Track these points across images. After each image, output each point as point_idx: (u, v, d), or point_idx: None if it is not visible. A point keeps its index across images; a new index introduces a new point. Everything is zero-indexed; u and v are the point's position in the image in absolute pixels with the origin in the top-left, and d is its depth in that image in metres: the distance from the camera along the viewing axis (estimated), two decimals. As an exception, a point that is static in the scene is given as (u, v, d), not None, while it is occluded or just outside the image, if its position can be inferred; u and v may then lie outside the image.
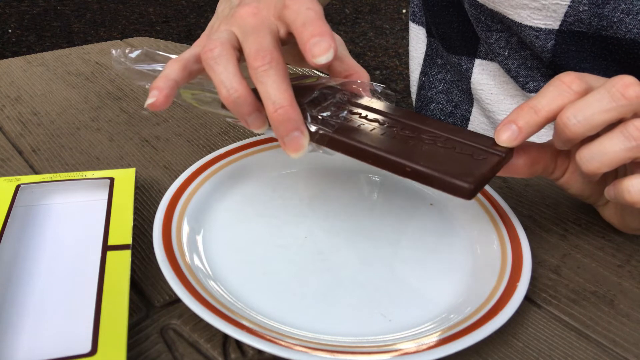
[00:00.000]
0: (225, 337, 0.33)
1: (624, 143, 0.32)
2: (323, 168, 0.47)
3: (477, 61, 0.58)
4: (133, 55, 0.41)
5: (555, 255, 0.40)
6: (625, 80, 0.32)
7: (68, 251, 0.37)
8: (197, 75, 0.38)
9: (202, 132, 0.54)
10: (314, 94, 0.37)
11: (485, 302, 0.34)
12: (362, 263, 0.38)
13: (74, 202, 0.42)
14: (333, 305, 0.35)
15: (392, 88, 2.41)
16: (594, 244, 0.42)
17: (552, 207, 0.45)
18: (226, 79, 0.34)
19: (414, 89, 0.69)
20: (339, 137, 0.34)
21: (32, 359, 0.30)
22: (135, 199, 0.44)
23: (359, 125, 0.35)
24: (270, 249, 0.39)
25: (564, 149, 0.36)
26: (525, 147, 0.36)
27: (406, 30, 2.97)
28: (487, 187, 0.43)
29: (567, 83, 0.33)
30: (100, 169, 0.47)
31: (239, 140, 0.50)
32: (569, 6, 0.46)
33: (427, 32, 0.65)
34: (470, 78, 0.59)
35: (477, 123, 0.62)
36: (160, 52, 0.41)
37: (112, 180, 0.41)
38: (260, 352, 0.32)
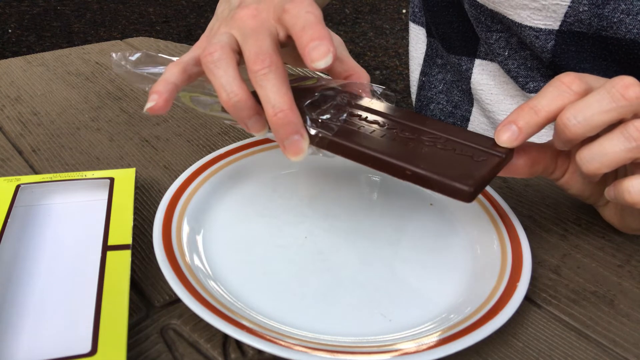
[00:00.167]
0: (225, 337, 0.33)
1: (624, 144, 0.32)
2: (323, 168, 0.47)
3: (477, 61, 0.58)
4: (133, 58, 0.41)
5: (555, 255, 0.40)
6: (625, 81, 0.32)
7: (68, 251, 0.37)
8: (196, 78, 0.38)
9: (202, 132, 0.54)
10: (313, 97, 0.36)
11: (485, 302, 0.34)
12: (362, 263, 0.38)
13: (74, 202, 0.42)
14: (333, 305, 0.35)
15: (392, 88, 2.41)
16: (594, 244, 0.42)
17: (552, 207, 0.45)
18: (226, 83, 0.34)
19: (414, 89, 0.69)
20: (338, 140, 0.34)
21: (32, 359, 0.30)
22: (135, 199, 0.44)
23: (358, 128, 0.35)
24: (270, 249, 0.39)
25: (564, 150, 0.36)
26: (525, 147, 0.36)
27: (406, 30, 2.97)
28: (487, 187, 0.43)
29: (567, 83, 0.34)
30: (100, 169, 0.47)
31: (239, 140, 0.50)
32: (569, 6, 0.46)
33: (427, 32, 0.65)
34: (470, 78, 0.59)
35: (477, 123, 0.62)
36: (161, 55, 0.41)
37: (112, 180, 0.41)
38: (260, 352, 0.32)
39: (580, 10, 0.46)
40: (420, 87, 0.67)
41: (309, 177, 0.46)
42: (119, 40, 0.76)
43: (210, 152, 0.47)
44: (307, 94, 0.37)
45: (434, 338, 0.31)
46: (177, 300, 0.35)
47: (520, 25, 0.50)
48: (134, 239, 0.39)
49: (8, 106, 0.57)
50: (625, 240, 0.42)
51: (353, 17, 3.25)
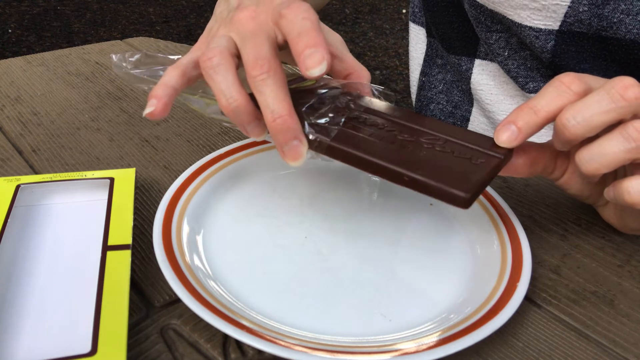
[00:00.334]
0: (225, 337, 0.33)
1: (624, 144, 0.32)
2: (323, 168, 0.47)
3: (477, 61, 0.58)
4: (133, 59, 0.41)
5: (555, 255, 0.40)
6: (624, 82, 0.32)
7: (68, 251, 0.37)
8: (196, 80, 0.39)
9: (202, 132, 0.54)
10: (312, 99, 0.36)
11: (485, 302, 0.34)
12: (362, 263, 0.38)
13: (74, 202, 0.42)
14: (333, 305, 0.35)
15: (392, 88, 2.41)
16: (594, 244, 0.42)
17: (552, 207, 0.45)
18: (226, 89, 0.34)
19: (414, 89, 0.69)
20: (336, 145, 0.34)
21: (32, 359, 0.30)
22: (135, 199, 0.44)
23: (357, 131, 0.35)
24: (270, 249, 0.39)
25: (564, 150, 0.36)
26: (525, 146, 0.36)
27: (406, 30, 2.97)
28: (487, 187, 0.43)
29: (566, 84, 0.34)
30: (100, 169, 0.47)
31: (239, 140, 0.50)
32: (569, 7, 0.46)
33: (427, 32, 0.65)
34: (470, 78, 0.59)
35: (477, 123, 0.63)
36: (160, 54, 0.42)
37: (112, 180, 0.41)
38: (260, 352, 0.32)
39: (580, 10, 0.46)
40: (420, 87, 0.67)
41: (309, 177, 0.46)
42: (119, 40, 0.76)
43: (210, 152, 0.47)
44: (306, 95, 0.37)
45: (434, 338, 0.31)
46: (177, 300, 0.35)
47: (520, 26, 0.50)
48: (134, 239, 0.39)
49: (8, 106, 0.57)
50: (625, 240, 0.42)
51: (353, 17, 3.25)
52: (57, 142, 0.51)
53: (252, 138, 0.36)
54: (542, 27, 0.49)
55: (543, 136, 0.56)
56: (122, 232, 0.36)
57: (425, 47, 0.65)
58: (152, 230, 0.37)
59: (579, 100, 0.33)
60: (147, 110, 0.36)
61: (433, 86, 0.66)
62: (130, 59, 0.41)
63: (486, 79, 0.58)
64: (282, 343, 0.30)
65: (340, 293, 0.36)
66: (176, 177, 0.43)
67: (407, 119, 0.37)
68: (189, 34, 2.91)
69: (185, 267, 0.34)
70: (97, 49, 0.72)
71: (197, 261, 0.36)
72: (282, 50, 0.36)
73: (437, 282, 0.37)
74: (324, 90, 0.38)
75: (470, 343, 0.31)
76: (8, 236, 0.37)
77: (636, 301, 0.37)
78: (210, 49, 0.35)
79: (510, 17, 0.50)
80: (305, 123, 0.35)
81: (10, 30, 2.83)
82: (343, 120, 0.36)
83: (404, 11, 3.32)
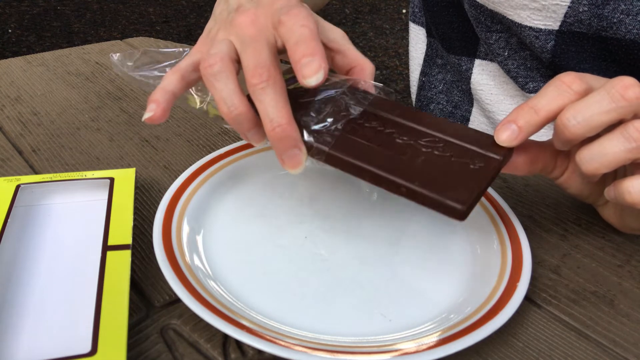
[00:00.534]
0: (225, 337, 0.33)
1: (624, 144, 0.32)
2: (323, 168, 0.47)
3: (477, 61, 0.58)
4: (133, 58, 0.41)
5: (555, 255, 0.40)
6: (625, 82, 0.32)
7: (68, 251, 0.37)
8: (195, 83, 0.39)
9: (202, 132, 0.54)
10: (312, 102, 0.36)
11: (485, 302, 0.34)
12: (362, 263, 0.38)
13: (74, 202, 0.42)
14: (333, 305, 0.35)
15: (392, 88, 2.41)
16: (594, 244, 0.42)
17: (552, 207, 0.45)
18: (227, 96, 0.34)
19: (414, 89, 0.69)
20: (335, 153, 0.34)
21: (32, 359, 0.30)
22: (135, 199, 0.44)
23: (356, 135, 0.35)
24: (270, 249, 0.39)
25: (564, 149, 0.36)
26: (525, 145, 0.36)
27: (406, 30, 2.97)
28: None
29: (567, 83, 0.33)
30: (100, 169, 0.47)
31: (239, 140, 0.50)
32: (569, 7, 0.46)
33: (427, 32, 0.65)
34: (470, 78, 0.59)
35: (477, 123, 0.62)
36: (161, 50, 0.42)
37: (112, 180, 0.41)
38: (260, 352, 0.32)
39: (580, 10, 0.46)
40: (420, 87, 0.67)
41: (309, 177, 0.46)
42: (119, 40, 0.76)
43: (210, 152, 0.47)
44: (306, 97, 0.37)
45: (434, 338, 0.31)
46: (177, 300, 0.35)
47: (520, 26, 0.50)
48: (134, 239, 0.39)
49: (8, 106, 0.57)
50: (625, 240, 0.42)
51: (353, 17, 3.25)
52: (57, 142, 0.51)
53: (252, 144, 0.37)
54: (542, 27, 0.49)
55: (543, 136, 0.56)
56: (122, 232, 0.36)
57: (425, 47, 0.65)
58: (152, 230, 0.37)
59: (580, 100, 0.33)
60: (147, 115, 0.36)
61: (433, 86, 0.66)
62: (130, 60, 0.41)
63: (486, 79, 0.58)
64: (282, 343, 0.30)
65: (340, 293, 0.36)
66: (176, 177, 0.43)
67: (407, 117, 0.37)
68: (189, 34, 2.91)
69: (185, 267, 0.34)
70: (97, 49, 0.72)
71: (197, 261, 0.36)
72: (282, 54, 0.37)
73: (437, 282, 0.37)
74: (324, 90, 0.38)
75: (470, 343, 0.31)
76: (8, 236, 0.37)
77: (636, 301, 0.37)
78: (211, 55, 0.35)
79: (510, 17, 0.50)
80: (304, 132, 0.35)
81: (10, 30, 2.83)
82: (343, 123, 0.36)
83: (404, 11, 3.32)
